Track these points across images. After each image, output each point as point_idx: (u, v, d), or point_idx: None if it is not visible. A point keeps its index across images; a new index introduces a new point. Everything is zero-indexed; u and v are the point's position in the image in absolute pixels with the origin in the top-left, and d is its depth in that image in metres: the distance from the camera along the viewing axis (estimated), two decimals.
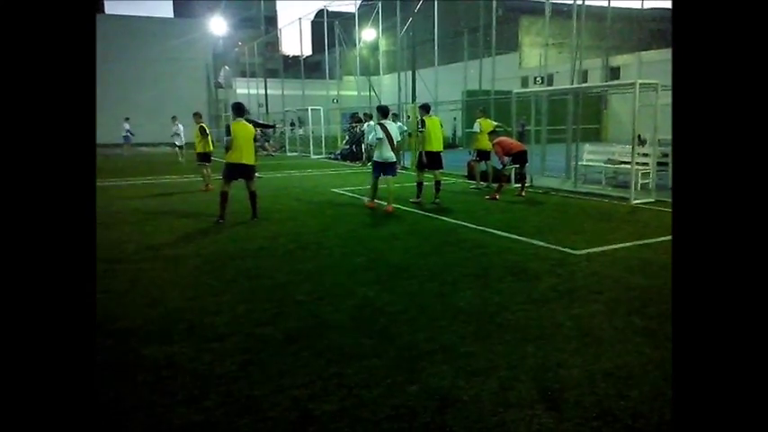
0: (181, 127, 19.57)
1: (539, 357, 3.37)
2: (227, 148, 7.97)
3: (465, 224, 7.88)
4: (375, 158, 9.17)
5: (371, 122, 13.09)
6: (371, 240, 6.91)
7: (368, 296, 4.61)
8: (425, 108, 10.25)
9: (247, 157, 8.00)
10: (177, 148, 19.73)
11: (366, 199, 9.68)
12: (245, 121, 8.12)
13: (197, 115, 12.43)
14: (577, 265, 5.57)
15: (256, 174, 15.66)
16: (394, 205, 8.91)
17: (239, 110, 8.17)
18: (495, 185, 10.65)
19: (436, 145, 9.83)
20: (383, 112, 9.37)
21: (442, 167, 9.96)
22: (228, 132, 7.94)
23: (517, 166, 10.73)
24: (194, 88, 42.10)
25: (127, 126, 24.72)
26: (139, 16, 45.45)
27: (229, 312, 4.24)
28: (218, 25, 41.50)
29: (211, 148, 12.14)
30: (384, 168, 8.98)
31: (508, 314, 4.13)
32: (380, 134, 8.85)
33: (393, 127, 9.16)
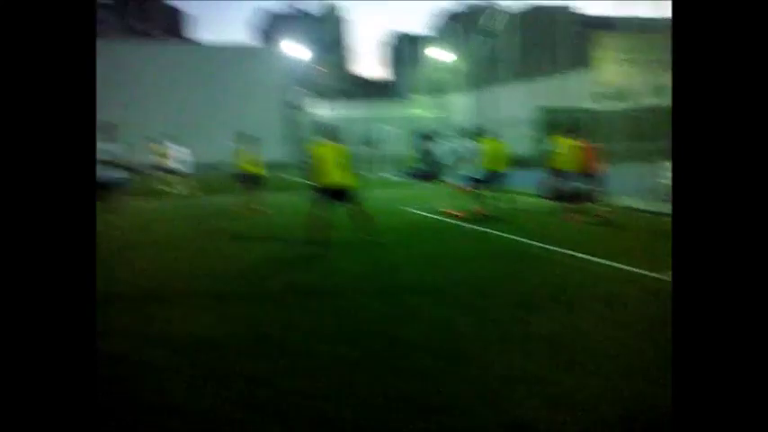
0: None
1: (626, 391, 3.19)
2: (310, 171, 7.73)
3: (545, 246, 7.67)
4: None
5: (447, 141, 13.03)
6: (447, 261, 6.86)
7: (446, 319, 4.56)
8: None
9: (342, 179, 7.59)
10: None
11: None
12: (333, 142, 7.80)
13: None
14: (667, 290, 5.26)
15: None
16: (469, 226, 8.83)
17: (330, 131, 7.93)
18: (572, 205, 10.32)
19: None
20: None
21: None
22: (311, 152, 7.76)
23: (590, 187, 10.35)
24: (272, 111, 43.85)
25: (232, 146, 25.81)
26: (221, 46, 48.11)
27: (307, 328, 4.33)
28: (295, 50, 43.21)
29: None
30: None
31: (595, 342, 3.95)
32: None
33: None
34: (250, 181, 11.61)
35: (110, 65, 36.89)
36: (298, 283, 5.88)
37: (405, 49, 33.22)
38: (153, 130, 29.50)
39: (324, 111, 39.96)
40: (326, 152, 7.64)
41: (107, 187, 8.49)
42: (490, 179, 10.58)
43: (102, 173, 8.11)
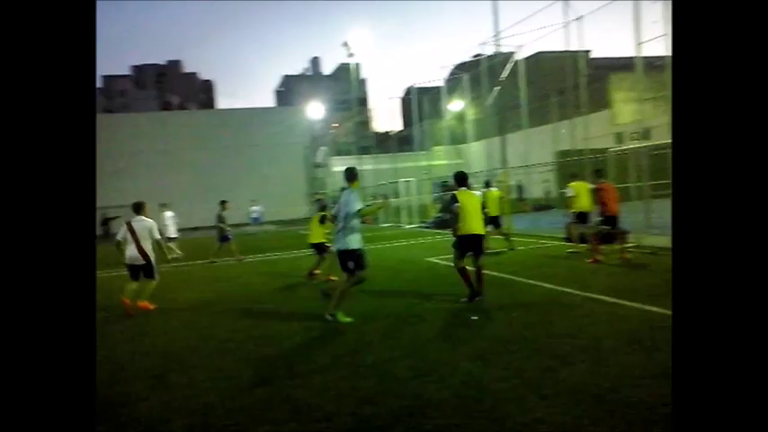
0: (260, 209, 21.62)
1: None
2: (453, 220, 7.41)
3: (569, 290, 7.53)
4: None
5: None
6: (471, 311, 6.76)
7: (472, 372, 4.47)
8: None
9: (477, 227, 7.33)
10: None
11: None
12: (470, 191, 7.63)
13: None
14: None
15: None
16: (493, 273, 8.72)
17: (462, 179, 7.64)
18: (592, 247, 10.19)
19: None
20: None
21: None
22: (455, 200, 7.39)
23: (609, 227, 10.21)
24: (294, 169, 44.87)
25: (258, 207, 26.48)
26: (245, 108, 49.93)
27: (334, 390, 4.27)
28: (314, 110, 44.62)
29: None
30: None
31: (627, 390, 3.81)
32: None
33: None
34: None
35: (146, 134, 38.78)
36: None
37: (421, 101, 33.92)
38: (175, 193, 30.38)
39: (345, 167, 40.65)
40: (470, 199, 7.45)
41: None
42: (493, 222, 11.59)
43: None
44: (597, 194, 10.37)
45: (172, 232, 15.97)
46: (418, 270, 10.80)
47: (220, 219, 14.97)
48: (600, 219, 10.12)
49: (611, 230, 10.33)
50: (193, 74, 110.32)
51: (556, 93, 27.98)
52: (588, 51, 44.29)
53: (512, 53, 25.79)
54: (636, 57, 13.63)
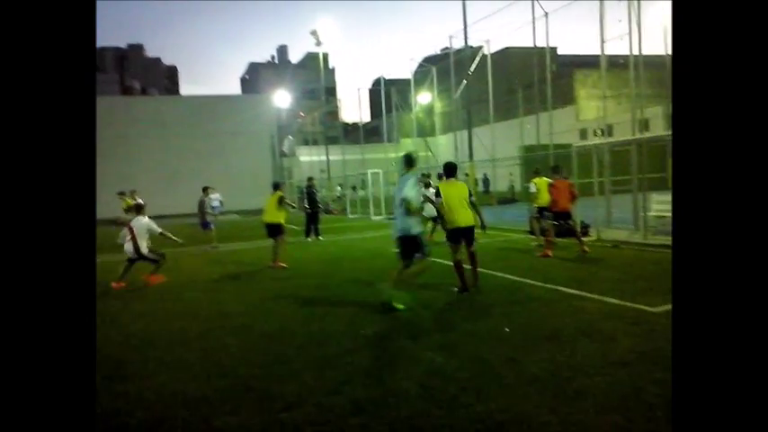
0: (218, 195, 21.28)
1: (622, 428, 3.15)
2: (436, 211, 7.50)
3: (531, 282, 7.67)
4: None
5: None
6: (436, 302, 6.82)
7: (435, 362, 4.51)
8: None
9: (462, 220, 7.19)
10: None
11: None
12: (455, 181, 7.48)
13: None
14: (656, 323, 5.25)
15: (320, 237, 15.80)
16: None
17: (451, 170, 7.55)
18: (544, 242, 10.41)
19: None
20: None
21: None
22: (438, 194, 7.34)
23: (560, 222, 10.45)
24: (260, 158, 44.24)
25: (216, 195, 24.93)
26: (210, 95, 48.86)
27: (297, 381, 4.25)
28: (281, 98, 44.00)
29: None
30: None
31: (585, 379, 3.92)
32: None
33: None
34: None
35: (106, 119, 37.56)
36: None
37: (389, 93, 33.90)
38: (143, 181, 29.54)
39: (314, 156, 40.36)
40: (454, 190, 7.34)
41: None
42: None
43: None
44: (551, 189, 10.59)
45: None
46: (385, 262, 10.82)
47: (202, 205, 14.90)
48: (549, 214, 10.35)
49: (562, 225, 10.56)
50: (156, 59, 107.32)
51: (522, 88, 28.34)
52: (555, 48, 45.07)
53: (480, 47, 25.99)
54: (600, 54, 13.90)
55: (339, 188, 30.06)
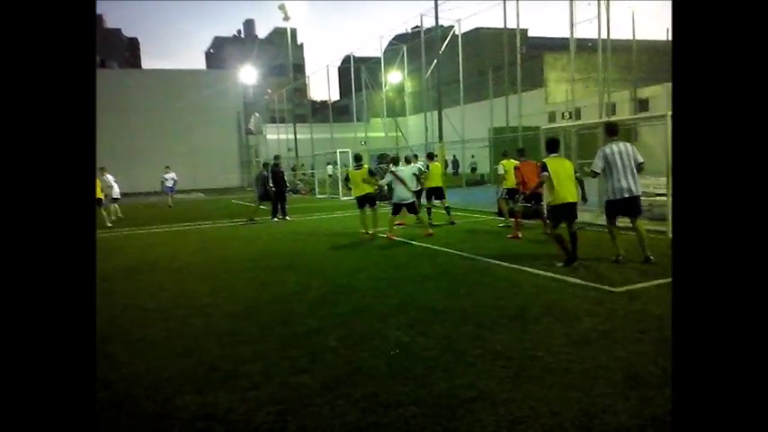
0: (173, 174, 22.09)
1: (583, 403, 3.22)
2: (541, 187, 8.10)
3: (498, 262, 7.77)
4: (393, 200, 10.95)
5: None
6: (404, 282, 6.85)
7: (403, 341, 4.53)
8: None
9: (572, 194, 7.40)
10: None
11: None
12: (561, 157, 7.55)
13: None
14: (618, 303, 5.39)
15: (288, 217, 15.84)
16: (425, 244, 8.86)
17: (555, 144, 7.77)
18: (513, 223, 10.56)
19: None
20: (392, 160, 11.79)
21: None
22: (545, 169, 7.39)
23: (530, 204, 10.60)
24: (226, 135, 43.33)
25: (171, 175, 22.93)
26: (174, 69, 47.47)
27: (263, 360, 4.21)
28: (248, 74, 43.02)
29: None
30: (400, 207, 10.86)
31: (549, 356, 3.99)
32: (389, 179, 10.87)
33: (406, 171, 10.95)
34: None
35: None
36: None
37: (359, 71, 33.51)
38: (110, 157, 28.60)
39: (281, 135, 39.74)
40: (561, 166, 7.52)
41: None
42: (435, 194, 12.75)
43: None
44: (517, 172, 10.69)
45: (116, 193, 17.42)
46: (352, 242, 10.81)
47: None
48: (519, 195, 10.48)
49: (531, 207, 10.70)
50: (117, 30, 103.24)
51: (492, 69, 28.41)
52: (525, 30, 45.19)
53: (451, 27, 25.86)
54: (569, 38, 14.02)
55: (330, 167, 29.49)
